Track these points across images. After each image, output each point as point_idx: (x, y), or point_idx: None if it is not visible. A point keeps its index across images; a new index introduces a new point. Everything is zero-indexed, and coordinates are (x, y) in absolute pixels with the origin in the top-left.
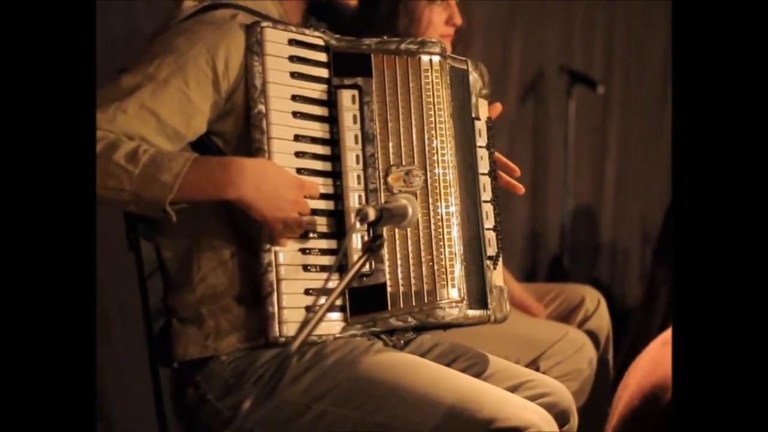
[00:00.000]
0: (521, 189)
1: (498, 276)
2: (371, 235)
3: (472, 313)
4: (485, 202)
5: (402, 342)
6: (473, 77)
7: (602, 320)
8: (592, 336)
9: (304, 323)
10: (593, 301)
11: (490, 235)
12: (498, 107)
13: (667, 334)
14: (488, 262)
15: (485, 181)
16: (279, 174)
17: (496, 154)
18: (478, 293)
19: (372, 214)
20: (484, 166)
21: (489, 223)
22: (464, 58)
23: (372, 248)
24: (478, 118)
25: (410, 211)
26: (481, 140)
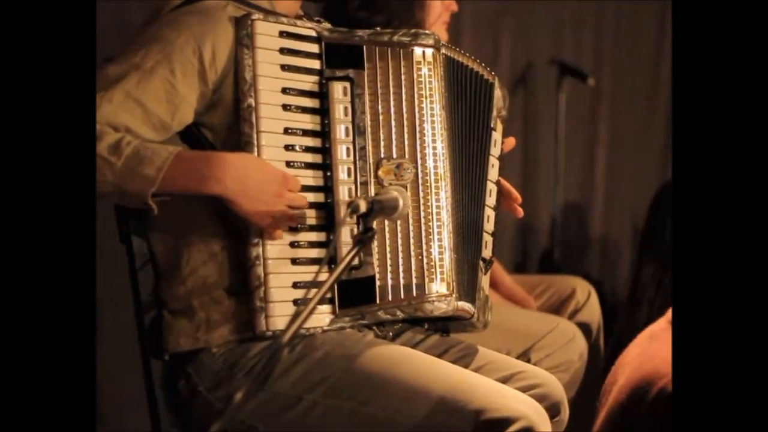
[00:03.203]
0: (521, 213)
1: (486, 282)
2: (362, 227)
3: (461, 304)
4: (489, 206)
5: (391, 333)
6: (497, 94)
7: (593, 312)
8: (583, 327)
9: (295, 315)
10: (584, 292)
11: (488, 239)
12: (512, 142)
13: (655, 328)
14: (482, 263)
15: (492, 188)
16: (261, 168)
17: (503, 181)
18: (468, 287)
19: (363, 207)
20: (493, 174)
21: (489, 227)
22: (493, 73)
23: (363, 240)
24: (494, 130)
25: (401, 203)
26: (495, 150)
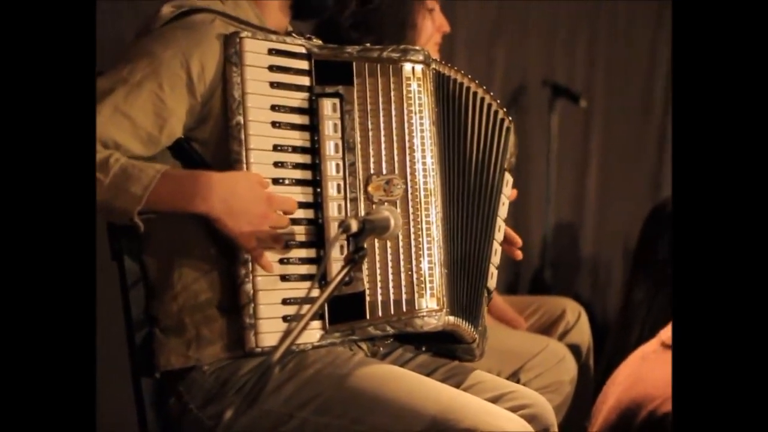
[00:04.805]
0: (520, 256)
1: (486, 311)
2: (353, 246)
3: (452, 319)
4: (497, 241)
5: (382, 349)
6: (512, 139)
7: (583, 333)
8: (573, 348)
9: (286, 333)
10: (574, 313)
11: (493, 271)
12: (515, 193)
13: (647, 349)
14: (485, 293)
15: (500, 224)
16: (249, 188)
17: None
18: (474, 311)
19: (354, 226)
20: (503, 212)
21: (495, 260)
22: (510, 118)
23: (354, 260)
24: (507, 171)
25: (392, 223)
26: (507, 190)
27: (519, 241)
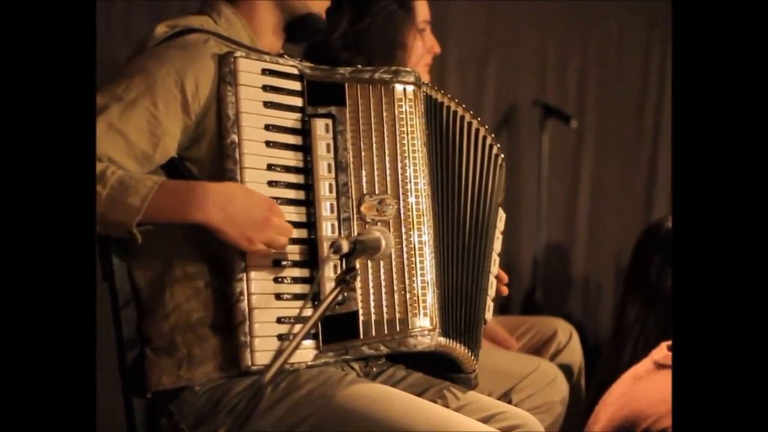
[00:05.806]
0: (506, 292)
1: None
2: (345, 266)
3: (444, 340)
4: (492, 273)
5: (375, 370)
6: (504, 175)
7: (574, 353)
8: (565, 369)
9: (278, 353)
10: (565, 334)
11: (490, 303)
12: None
13: (639, 369)
14: (483, 323)
15: (496, 259)
16: (247, 196)
17: None
18: (473, 341)
19: (346, 247)
20: (498, 246)
21: (492, 292)
22: (503, 155)
23: (346, 280)
24: (501, 207)
25: (383, 243)
26: (501, 225)
27: (506, 277)
